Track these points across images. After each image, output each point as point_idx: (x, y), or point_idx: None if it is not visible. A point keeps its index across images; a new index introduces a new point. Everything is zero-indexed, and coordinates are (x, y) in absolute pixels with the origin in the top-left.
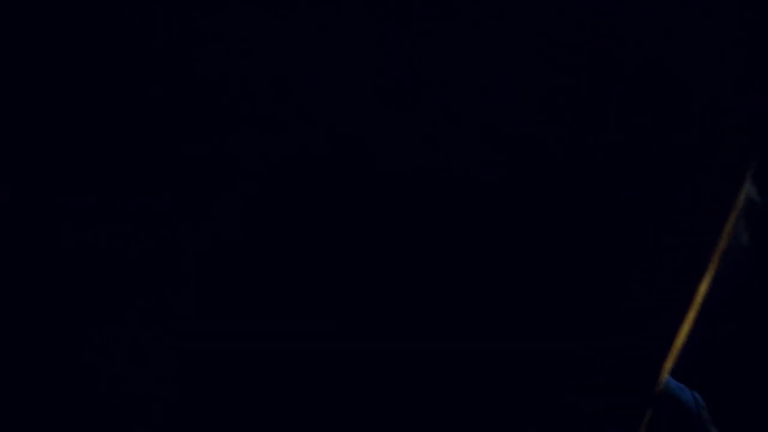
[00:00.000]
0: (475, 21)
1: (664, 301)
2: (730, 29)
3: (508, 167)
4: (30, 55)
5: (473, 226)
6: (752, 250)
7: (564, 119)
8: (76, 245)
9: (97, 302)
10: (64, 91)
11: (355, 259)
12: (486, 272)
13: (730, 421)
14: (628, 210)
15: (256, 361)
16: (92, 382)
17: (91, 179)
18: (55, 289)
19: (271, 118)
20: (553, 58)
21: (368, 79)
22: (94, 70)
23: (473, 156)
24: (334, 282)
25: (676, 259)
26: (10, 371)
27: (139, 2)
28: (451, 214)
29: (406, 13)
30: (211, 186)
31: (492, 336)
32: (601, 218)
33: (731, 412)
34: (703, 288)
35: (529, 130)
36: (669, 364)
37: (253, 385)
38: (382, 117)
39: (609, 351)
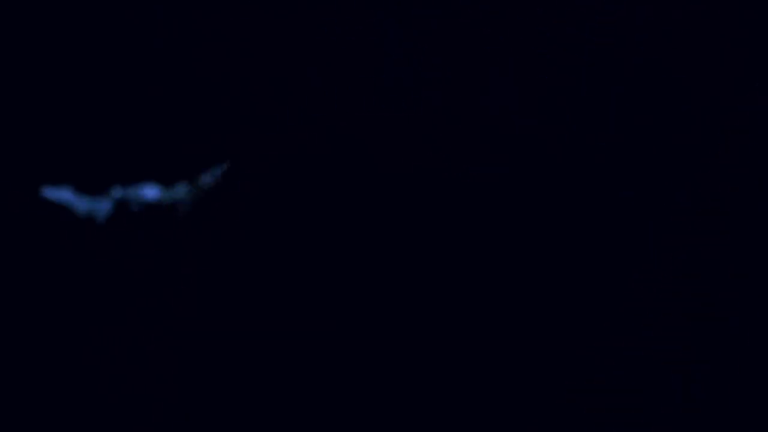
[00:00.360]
0: (475, 21)
1: (664, 301)
2: (730, 29)
3: (508, 167)
4: (31, 56)
5: (473, 226)
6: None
7: (564, 119)
8: (75, 244)
9: (96, 302)
10: (64, 90)
11: (355, 258)
12: (486, 271)
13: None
14: (629, 210)
15: (256, 361)
16: (92, 382)
17: (90, 179)
18: (55, 289)
19: (271, 118)
20: (553, 58)
21: (368, 79)
22: (95, 71)
23: (473, 156)
24: (334, 281)
25: (676, 259)
26: (10, 371)
27: (139, 2)
28: (451, 214)
29: (406, 13)
30: (210, 185)
31: (491, 335)
32: (602, 218)
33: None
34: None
35: (529, 130)
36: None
37: (251, 385)
38: (382, 117)
39: (609, 351)
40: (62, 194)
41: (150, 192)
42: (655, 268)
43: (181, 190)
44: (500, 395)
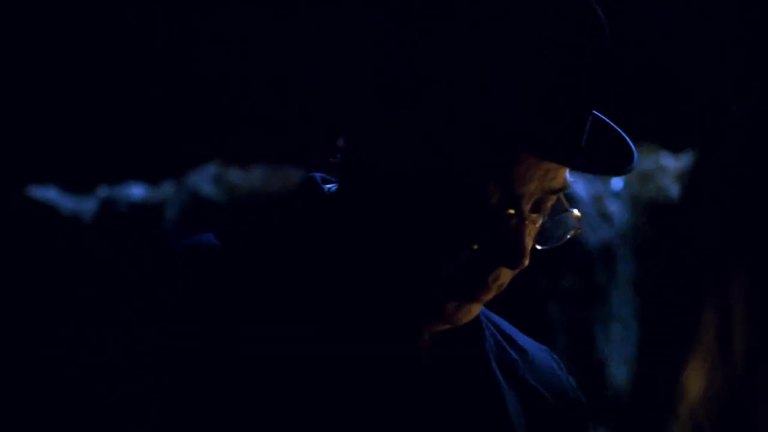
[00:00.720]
0: (475, 21)
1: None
2: (730, 29)
3: (508, 168)
4: (16, 57)
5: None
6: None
7: (564, 119)
8: (61, 244)
9: (84, 302)
10: (49, 90)
11: (350, 257)
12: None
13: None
14: (628, 209)
15: (255, 362)
16: (89, 382)
17: (76, 178)
18: (41, 289)
19: (271, 118)
20: (553, 58)
21: (368, 79)
22: (94, 71)
23: (473, 156)
24: (331, 280)
25: (675, 260)
26: (7, 371)
27: (139, 2)
28: (450, 214)
29: (406, 13)
30: (209, 184)
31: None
32: (600, 217)
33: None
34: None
35: (529, 130)
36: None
37: (251, 386)
38: (382, 117)
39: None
40: (48, 193)
41: (136, 191)
42: (653, 269)
43: (168, 189)
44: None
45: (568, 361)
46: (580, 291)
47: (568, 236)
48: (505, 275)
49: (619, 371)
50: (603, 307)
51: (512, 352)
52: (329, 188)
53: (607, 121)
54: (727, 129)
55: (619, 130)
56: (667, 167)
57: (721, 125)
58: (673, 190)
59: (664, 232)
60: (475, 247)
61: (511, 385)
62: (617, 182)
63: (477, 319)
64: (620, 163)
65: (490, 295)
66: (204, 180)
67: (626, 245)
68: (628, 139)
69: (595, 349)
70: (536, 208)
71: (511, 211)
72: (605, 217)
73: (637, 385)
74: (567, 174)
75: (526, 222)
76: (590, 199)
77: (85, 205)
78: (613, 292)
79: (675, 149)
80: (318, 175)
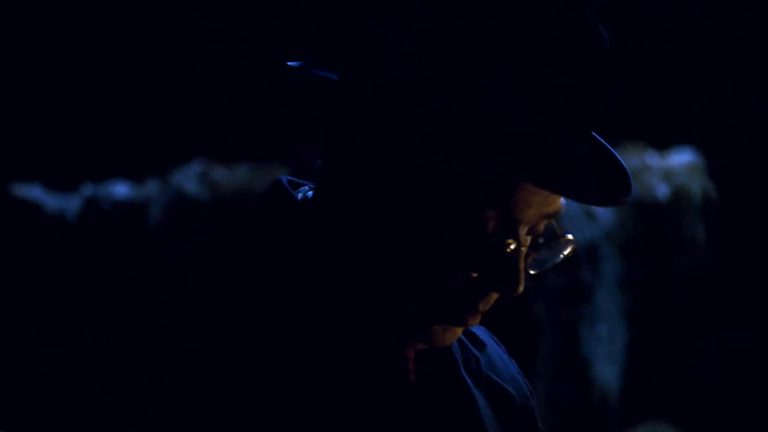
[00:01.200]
0: (475, 21)
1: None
2: (730, 29)
3: (508, 167)
4: (31, 55)
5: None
6: (709, 246)
7: (564, 119)
8: (45, 243)
9: (91, 301)
10: (32, 87)
11: (350, 260)
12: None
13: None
14: (627, 210)
15: (255, 363)
16: (86, 382)
17: (60, 176)
18: (25, 289)
19: (256, 117)
20: (553, 58)
21: (368, 79)
22: (79, 71)
23: (473, 156)
24: (330, 286)
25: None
26: (4, 371)
27: (139, 2)
28: (449, 215)
29: (406, 13)
30: (209, 184)
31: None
32: (599, 217)
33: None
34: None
35: (529, 130)
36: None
37: (251, 387)
38: (381, 117)
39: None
40: (32, 191)
41: (121, 189)
42: (639, 268)
43: (152, 188)
44: None
45: (555, 360)
46: (566, 290)
47: (560, 260)
48: (494, 298)
49: (605, 370)
50: (589, 306)
51: (473, 349)
52: (305, 190)
53: (604, 142)
54: (727, 129)
55: (617, 154)
56: (653, 166)
57: (721, 125)
58: (659, 188)
59: (649, 230)
60: (475, 275)
61: (478, 386)
62: None
63: None
64: (619, 193)
65: (477, 320)
66: (188, 178)
67: (612, 244)
68: (624, 163)
69: (581, 348)
70: (530, 231)
71: (510, 240)
72: (591, 216)
73: (623, 384)
74: (562, 199)
75: (523, 248)
76: None
77: (70, 204)
78: (599, 291)
79: (661, 148)
80: (285, 178)
